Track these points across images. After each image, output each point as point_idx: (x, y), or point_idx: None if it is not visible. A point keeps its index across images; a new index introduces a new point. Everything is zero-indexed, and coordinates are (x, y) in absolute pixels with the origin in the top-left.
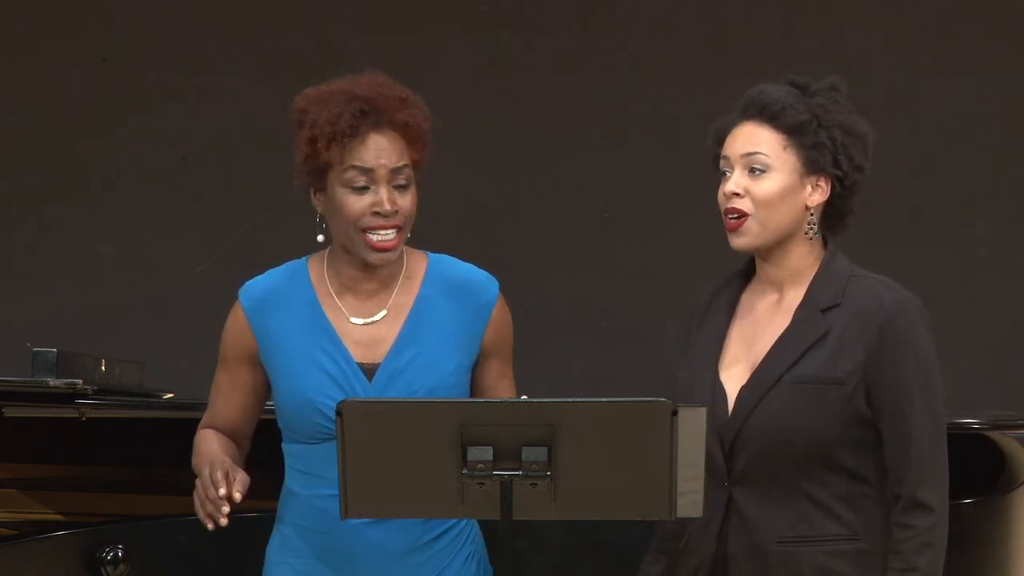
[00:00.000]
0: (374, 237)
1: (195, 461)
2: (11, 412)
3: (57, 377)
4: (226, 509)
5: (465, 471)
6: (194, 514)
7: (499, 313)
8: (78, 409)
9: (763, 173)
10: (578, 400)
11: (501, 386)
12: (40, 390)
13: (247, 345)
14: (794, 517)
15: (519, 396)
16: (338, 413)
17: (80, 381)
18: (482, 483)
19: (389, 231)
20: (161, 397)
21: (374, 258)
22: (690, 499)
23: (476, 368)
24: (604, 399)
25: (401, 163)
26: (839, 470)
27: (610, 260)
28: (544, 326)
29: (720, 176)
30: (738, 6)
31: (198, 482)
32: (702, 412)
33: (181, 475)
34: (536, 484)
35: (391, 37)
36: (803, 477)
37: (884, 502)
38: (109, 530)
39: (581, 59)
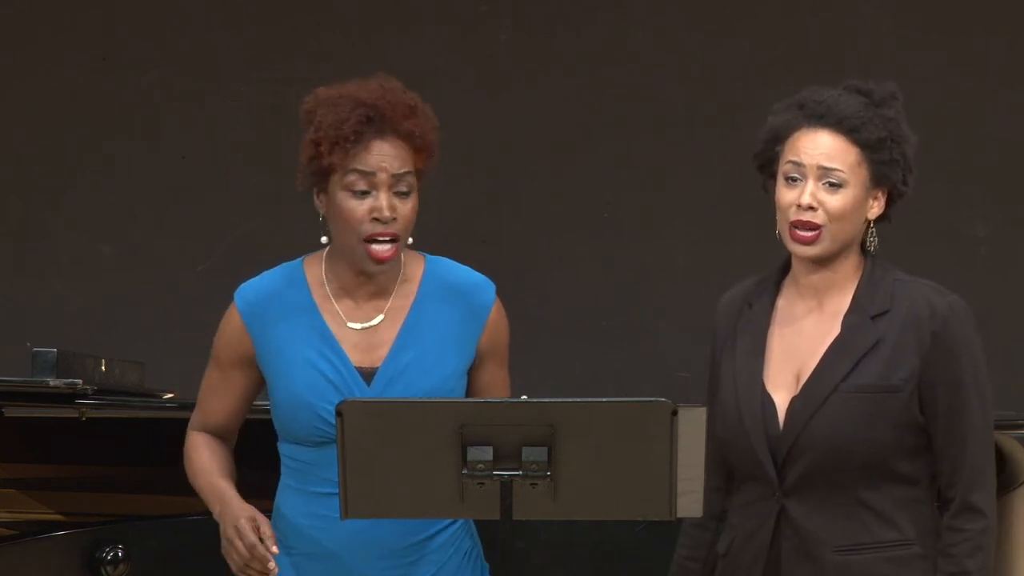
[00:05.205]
0: (375, 247)
1: (195, 480)
2: (11, 412)
3: (57, 377)
4: (272, 565)
5: (465, 471)
6: (194, 514)
7: (496, 317)
8: (78, 409)
9: (838, 187)
10: (578, 400)
11: (495, 388)
12: (40, 390)
13: (243, 349)
14: (851, 525)
15: (519, 396)
16: (338, 413)
17: (80, 381)
18: (482, 483)
19: (387, 241)
20: (161, 397)
21: (373, 268)
22: (690, 499)
23: (472, 371)
24: (604, 399)
25: (404, 170)
26: (895, 476)
27: (610, 260)
28: (544, 326)
29: (784, 181)
30: (738, 6)
31: (230, 537)
32: (702, 412)
33: (181, 475)
34: (536, 484)
35: (391, 37)
36: (860, 485)
37: (934, 504)
38: (109, 530)
39: (581, 59)
